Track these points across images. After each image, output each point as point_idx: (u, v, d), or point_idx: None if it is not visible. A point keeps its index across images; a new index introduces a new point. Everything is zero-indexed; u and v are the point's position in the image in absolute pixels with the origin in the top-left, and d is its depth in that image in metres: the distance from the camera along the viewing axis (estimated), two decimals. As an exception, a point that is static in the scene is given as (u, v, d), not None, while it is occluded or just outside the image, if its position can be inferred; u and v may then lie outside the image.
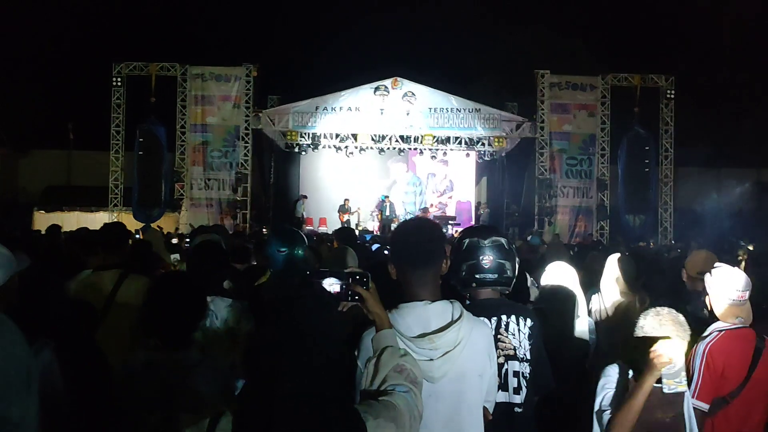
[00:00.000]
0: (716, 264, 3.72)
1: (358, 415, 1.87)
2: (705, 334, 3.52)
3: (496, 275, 3.07)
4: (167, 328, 2.62)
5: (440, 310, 2.45)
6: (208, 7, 30.33)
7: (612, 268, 4.91)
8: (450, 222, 22.18)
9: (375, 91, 22.17)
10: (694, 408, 3.31)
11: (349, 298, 2.29)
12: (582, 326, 4.20)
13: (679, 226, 21.96)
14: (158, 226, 16.81)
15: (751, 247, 10.59)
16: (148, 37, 26.26)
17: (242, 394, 1.85)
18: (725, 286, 3.51)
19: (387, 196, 23.71)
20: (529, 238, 14.74)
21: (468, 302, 3.08)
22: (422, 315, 2.43)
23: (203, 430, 1.80)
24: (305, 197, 23.99)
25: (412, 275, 2.53)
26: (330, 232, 22.45)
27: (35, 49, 26.92)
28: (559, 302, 4.19)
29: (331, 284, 2.30)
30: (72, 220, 22.23)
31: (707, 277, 3.65)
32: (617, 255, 5.07)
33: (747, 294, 3.50)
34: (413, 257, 2.54)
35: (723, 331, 3.48)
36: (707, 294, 3.62)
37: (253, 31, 29.22)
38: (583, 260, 7.58)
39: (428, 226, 2.70)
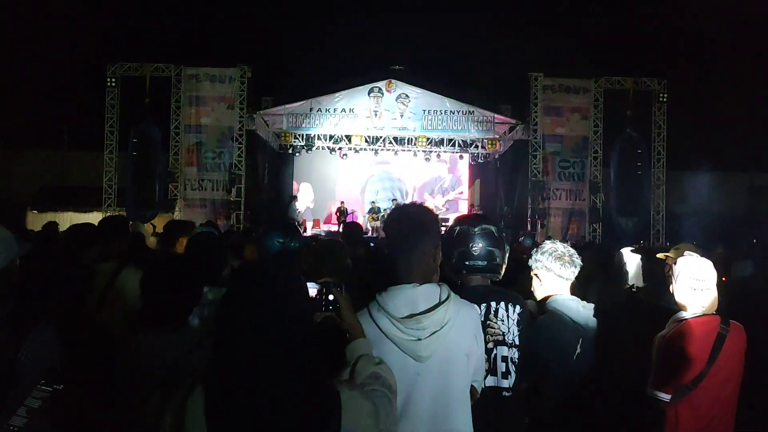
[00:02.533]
0: (686, 253, 3.76)
1: (331, 386, 1.88)
2: (667, 324, 3.56)
3: (486, 262, 3.17)
4: (166, 307, 2.67)
5: (428, 292, 2.52)
6: (202, 9, 30.36)
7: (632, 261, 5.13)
8: (443, 225, 22.20)
9: (369, 93, 22.25)
10: (654, 398, 3.39)
11: (324, 309, 2.31)
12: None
13: (671, 229, 22.05)
14: (152, 225, 16.84)
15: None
16: (143, 37, 26.28)
17: (212, 365, 1.85)
18: (686, 275, 3.52)
19: (395, 199, 23.85)
20: (521, 239, 14.79)
21: (458, 288, 3.15)
22: (410, 296, 2.49)
23: (177, 402, 1.83)
24: (295, 198, 24.06)
25: (399, 257, 2.59)
26: (322, 234, 22.59)
27: (30, 49, 26.91)
28: None
29: (310, 287, 2.25)
30: (66, 221, 22.22)
31: (673, 266, 3.68)
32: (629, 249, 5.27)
33: (709, 283, 3.49)
34: (397, 240, 2.61)
35: (682, 321, 3.50)
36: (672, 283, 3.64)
37: (247, 33, 29.24)
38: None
39: (417, 212, 2.73)
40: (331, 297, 2.32)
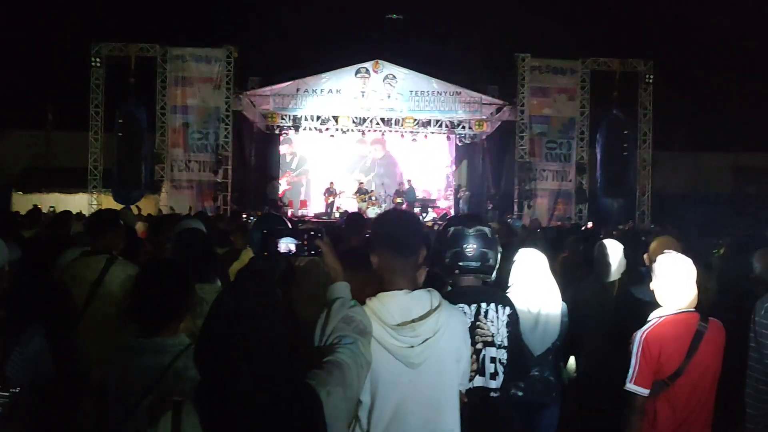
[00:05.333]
0: (666, 251, 3.81)
1: (313, 391, 1.95)
2: (648, 320, 3.62)
3: (479, 263, 3.19)
4: (154, 313, 2.65)
5: (420, 299, 2.54)
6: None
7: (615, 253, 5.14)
8: (431, 206, 22.30)
9: (356, 74, 22.22)
10: (632, 393, 3.46)
11: (306, 253, 2.45)
12: (555, 310, 4.34)
13: (657, 210, 22.19)
14: (138, 207, 16.82)
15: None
16: (128, 17, 25.99)
17: (200, 384, 1.90)
18: (667, 272, 3.58)
19: (408, 180, 23.85)
20: (510, 221, 14.97)
21: (450, 288, 3.19)
22: (403, 304, 2.51)
23: (168, 422, 1.84)
24: (276, 178, 24.04)
25: (393, 265, 2.60)
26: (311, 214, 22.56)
27: (13, 29, 26.56)
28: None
29: (288, 243, 2.46)
30: (51, 202, 22.11)
31: (654, 263, 3.72)
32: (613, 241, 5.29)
33: (688, 280, 3.54)
34: (394, 248, 2.61)
35: (662, 318, 3.56)
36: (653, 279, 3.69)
37: (233, 12, 28.96)
38: (561, 245, 7.72)
39: (408, 218, 2.79)
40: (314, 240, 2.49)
